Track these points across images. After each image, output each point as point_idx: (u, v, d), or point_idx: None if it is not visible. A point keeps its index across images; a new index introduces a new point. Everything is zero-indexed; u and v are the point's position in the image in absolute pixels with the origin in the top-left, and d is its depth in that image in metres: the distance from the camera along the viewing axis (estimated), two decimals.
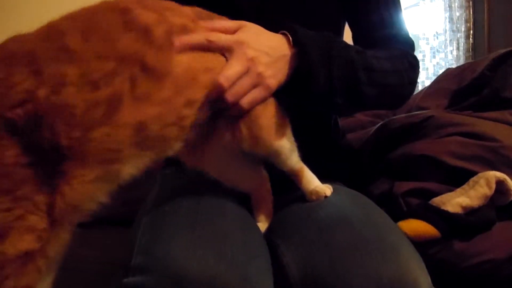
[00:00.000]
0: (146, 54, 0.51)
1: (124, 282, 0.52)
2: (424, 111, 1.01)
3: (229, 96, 0.58)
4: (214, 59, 0.59)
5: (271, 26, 0.64)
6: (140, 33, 0.52)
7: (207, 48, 0.58)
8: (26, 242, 0.44)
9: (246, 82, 0.59)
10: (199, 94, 0.56)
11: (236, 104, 0.59)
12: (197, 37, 0.57)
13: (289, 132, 0.65)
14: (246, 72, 0.59)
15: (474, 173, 0.78)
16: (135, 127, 0.50)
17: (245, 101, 0.59)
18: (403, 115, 1.02)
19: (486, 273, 0.71)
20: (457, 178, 0.80)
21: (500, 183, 0.75)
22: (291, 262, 0.57)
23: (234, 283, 0.49)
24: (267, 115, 0.62)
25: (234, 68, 0.58)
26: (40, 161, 0.45)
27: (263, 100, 0.61)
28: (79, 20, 0.52)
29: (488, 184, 0.75)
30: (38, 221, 0.45)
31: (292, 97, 0.65)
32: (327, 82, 0.64)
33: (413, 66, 0.78)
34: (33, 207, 0.45)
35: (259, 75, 0.60)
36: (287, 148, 0.64)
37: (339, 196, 0.65)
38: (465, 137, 0.86)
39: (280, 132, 0.63)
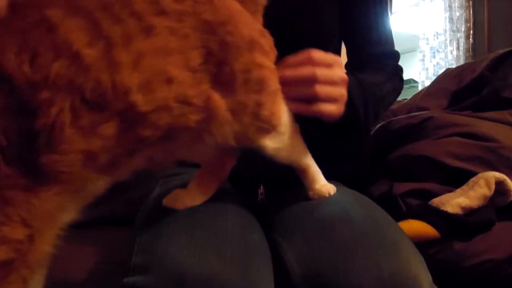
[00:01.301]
0: (82, 83, 0.45)
1: (124, 282, 0.52)
2: (423, 112, 1.01)
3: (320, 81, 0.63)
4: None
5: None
6: (69, 58, 0.44)
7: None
8: (2, 252, 0.43)
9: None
10: (153, 132, 0.48)
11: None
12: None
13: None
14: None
15: (473, 174, 0.78)
16: (85, 154, 0.46)
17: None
18: (403, 116, 1.03)
19: (486, 273, 0.71)
20: (457, 179, 0.80)
21: (499, 184, 0.76)
22: (292, 259, 0.57)
23: (234, 282, 0.49)
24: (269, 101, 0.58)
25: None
26: (8, 173, 0.44)
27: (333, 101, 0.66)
28: (13, 35, 0.45)
29: (487, 184, 0.75)
30: (11, 232, 0.44)
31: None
32: (365, 123, 0.75)
33: (401, 78, 0.87)
34: (4, 218, 0.44)
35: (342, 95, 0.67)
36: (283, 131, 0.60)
37: (340, 195, 0.66)
38: (465, 137, 0.86)
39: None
